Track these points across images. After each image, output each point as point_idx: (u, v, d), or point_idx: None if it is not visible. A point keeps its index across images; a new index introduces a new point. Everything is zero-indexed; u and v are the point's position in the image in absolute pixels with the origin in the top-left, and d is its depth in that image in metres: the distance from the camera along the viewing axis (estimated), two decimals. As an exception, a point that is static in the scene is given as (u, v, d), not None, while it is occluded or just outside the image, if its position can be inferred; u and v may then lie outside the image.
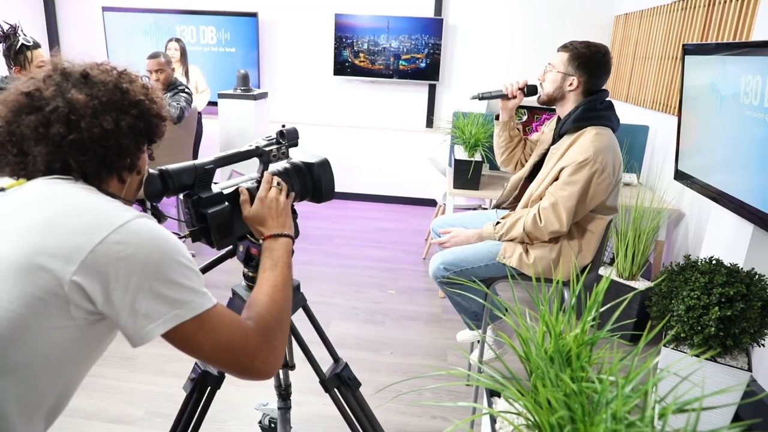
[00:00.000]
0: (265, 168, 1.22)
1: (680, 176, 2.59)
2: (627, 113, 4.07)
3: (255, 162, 1.22)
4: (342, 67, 4.98)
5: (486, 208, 4.02)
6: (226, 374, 1.41)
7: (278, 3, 5.00)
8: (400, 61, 4.92)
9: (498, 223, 2.01)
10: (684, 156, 2.55)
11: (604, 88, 2.01)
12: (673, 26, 3.43)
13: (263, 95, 4.42)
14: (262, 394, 2.32)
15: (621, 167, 1.93)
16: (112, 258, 0.80)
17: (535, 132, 3.32)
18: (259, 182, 1.19)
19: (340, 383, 1.42)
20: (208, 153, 5.09)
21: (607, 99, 1.98)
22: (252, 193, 1.16)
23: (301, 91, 5.21)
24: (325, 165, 1.29)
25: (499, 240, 2.03)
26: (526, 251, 1.98)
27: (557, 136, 2.02)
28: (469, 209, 4.04)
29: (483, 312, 2.08)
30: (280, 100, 5.20)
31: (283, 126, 1.25)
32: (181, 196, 1.12)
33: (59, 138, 0.87)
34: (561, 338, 0.90)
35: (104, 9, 5.08)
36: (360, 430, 1.40)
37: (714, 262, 2.01)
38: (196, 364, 1.41)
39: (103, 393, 2.31)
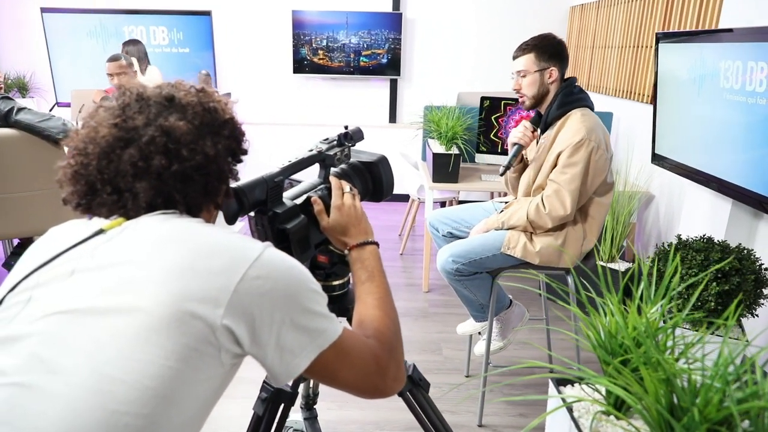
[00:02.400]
0: (328, 173, 1.16)
1: (657, 158, 2.69)
2: (588, 101, 4.20)
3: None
4: (301, 65, 4.90)
5: (463, 201, 4.06)
6: (298, 390, 1.38)
7: (233, 1, 4.85)
8: (361, 58, 4.88)
9: (502, 211, 2.03)
10: (661, 139, 2.65)
11: (571, 76, 2.08)
12: (633, 16, 3.56)
13: (226, 95, 4.28)
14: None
15: (611, 143, 2.00)
16: (254, 295, 0.74)
17: (511, 127, 3.36)
18: (328, 189, 1.13)
19: (413, 385, 1.39)
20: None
21: (577, 84, 2.05)
22: (325, 201, 1.10)
23: (260, 91, 5.08)
24: (384, 162, 1.25)
25: (502, 228, 2.04)
26: (531, 240, 2.01)
27: (543, 128, 2.06)
28: (444, 201, 4.07)
29: (490, 303, 2.10)
30: (239, 101, 5.05)
31: (346, 127, 1.21)
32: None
33: (162, 170, 0.80)
34: (646, 322, 0.90)
35: (43, 10, 4.77)
36: (433, 431, 1.38)
37: (706, 240, 2.10)
38: (265, 382, 1.34)
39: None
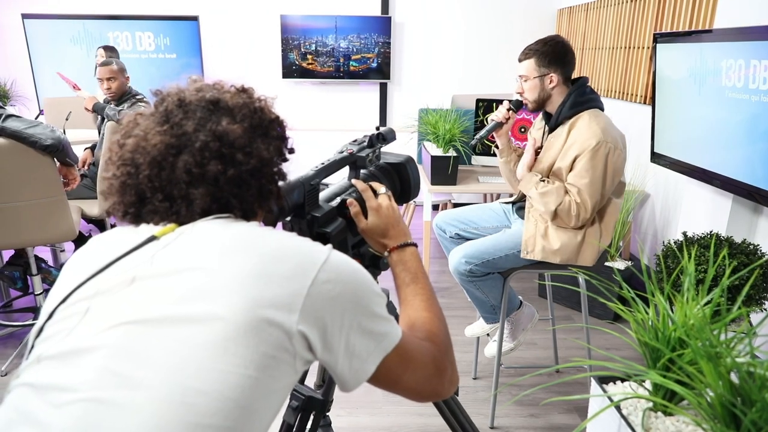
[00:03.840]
0: (358, 174, 1.14)
1: (656, 157, 2.72)
2: (579, 102, 4.24)
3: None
4: (290, 70, 4.86)
5: (457, 204, 4.06)
6: (331, 397, 1.35)
7: (220, 6, 4.80)
8: (351, 62, 4.87)
9: (543, 180, 1.99)
10: (660, 138, 2.68)
11: (582, 75, 2.09)
12: (623, 17, 3.61)
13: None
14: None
15: (625, 139, 2.01)
16: (325, 299, 0.72)
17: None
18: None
19: None
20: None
21: (588, 85, 2.07)
22: (361, 203, 1.08)
23: (249, 95, 5.02)
24: (411, 163, 1.23)
25: (526, 193, 2.03)
26: (546, 238, 2.00)
27: (553, 127, 2.07)
28: (440, 203, 4.06)
29: (501, 305, 2.09)
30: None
31: (378, 128, 1.19)
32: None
33: (218, 176, 0.77)
34: (698, 317, 0.90)
35: (24, 16, 4.66)
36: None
37: (713, 236, 2.12)
38: (295, 390, 1.31)
39: None
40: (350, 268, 0.78)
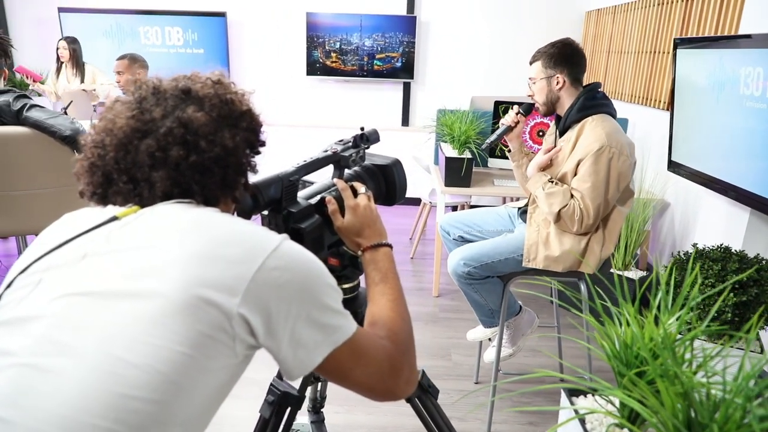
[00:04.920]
0: (342, 174, 1.15)
1: (673, 166, 2.65)
2: (603, 107, 4.16)
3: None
4: (314, 68, 4.90)
5: (474, 206, 4.03)
6: (306, 395, 1.36)
7: (247, 2, 4.87)
8: (375, 61, 4.87)
9: (551, 181, 1.97)
10: (677, 146, 2.61)
11: (595, 81, 2.06)
12: (650, 21, 3.52)
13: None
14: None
15: (634, 148, 1.96)
16: (271, 286, 0.73)
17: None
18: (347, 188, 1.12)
19: (422, 392, 1.37)
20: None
21: (601, 90, 2.03)
22: (339, 201, 1.09)
23: (274, 92, 5.08)
24: (398, 165, 1.24)
25: (533, 191, 2.00)
26: (548, 245, 1.97)
27: (562, 131, 2.04)
28: (456, 206, 4.04)
29: (500, 309, 2.07)
30: (252, 102, 5.06)
31: (362, 128, 1.19)
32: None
33: (180, 161, 0.80)
34: (663, 333, 0.88)
35: (60, 10, 4.82)
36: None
37: (723, 249, 2.05)
38: (272, 385, 1.33)
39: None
40: (302, 258, 0.79)
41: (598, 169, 1.85)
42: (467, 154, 3.23)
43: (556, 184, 1.96)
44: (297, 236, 1.02)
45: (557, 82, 1.99)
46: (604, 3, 4.30)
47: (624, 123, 3.63)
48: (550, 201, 1.93)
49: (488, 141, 2.14)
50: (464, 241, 2.25)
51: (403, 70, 4.90)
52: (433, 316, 3.15)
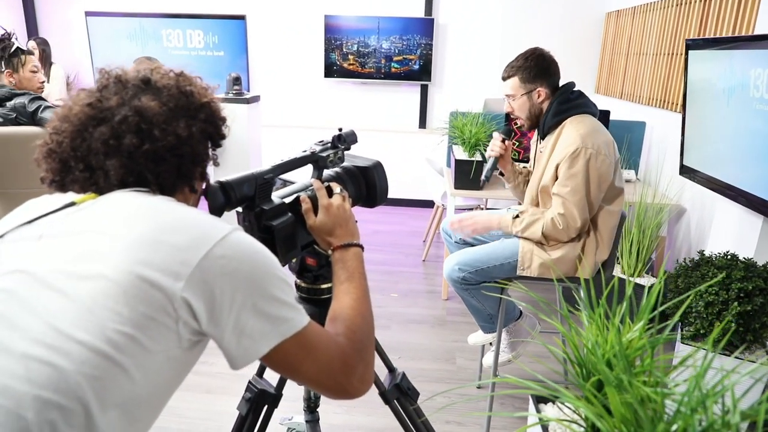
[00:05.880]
0: (320, 174, 1.16)
1: (685, 171, 2.59)
2: (623, 110, 4.08)
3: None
4: (332, 70, 4.93)
5: (483, 207, 4.00)
6: (283, 391, 1.37)
7: (266, 5, 4.94)
8: (392, 63, 4.88)
9: (517, 216, 1.97)
10: (689, 151, 2.54)
11: (569, 81, 2.01)
12: (668, 22, 3.44)
13: (256, 98, 4.34)
14: (283, 408, 2.26)
15: (614, 146, 1.92)
16: (216, 273, 0.74)
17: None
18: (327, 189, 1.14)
19: (400, 394, 1.37)
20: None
21: (575, 89, 1.98)
22: (314, 201, 1.10)
23: (292, 94, 5.14)
24: (379, 168, 1.24)
25: (514, 235, 2.00)
26: (542, 252, 1.95)
27: (542, 135, 2.02)
28: (468, 209, 4.01)
29: (498, 314, 2.05)
30: (271, 104, 5.12)
31: (340, 129, 1.21)
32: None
33: (133, 149, 0.81)
34: (622, 340, 0.86)
35: (87, 14, 4.96)
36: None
37: (729, 257, 1.99)
38: (250, 382, 1.35)
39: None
40: (252, 248, 0.80)
41: (576, 171, 1.83)
42: (477, 157, 3.21)
43: (519, 215, 1.96)
44: (268, 233, 1.03)
45: (538, 96, 1.96)
46: (624, 4, 4.22)
47: (641, 126, 3.56)
48: (530, 232, 1.93)
49: (483, 176, 2.13)
50: (465, 244, 2.24)
51: (421, 73, 4.89)
52: (440, 319, 3.14)
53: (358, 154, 1.32)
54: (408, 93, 5.08)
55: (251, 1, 4.91)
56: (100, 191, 0.83)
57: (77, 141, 0.82)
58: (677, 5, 3.32)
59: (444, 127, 3.73)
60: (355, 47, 4.86)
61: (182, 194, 0.90)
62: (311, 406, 1.68)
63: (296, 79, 5.08)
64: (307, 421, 1.68)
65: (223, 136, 0.93)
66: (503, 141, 2.10)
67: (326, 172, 1.22)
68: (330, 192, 1.13)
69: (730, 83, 2.16)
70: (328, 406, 2.24)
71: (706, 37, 2.87)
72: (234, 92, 4.16)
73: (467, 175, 3.13)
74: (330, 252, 1.08)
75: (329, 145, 1.21)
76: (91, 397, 0.67)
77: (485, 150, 3.26)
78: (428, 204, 5.16)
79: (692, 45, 2.41)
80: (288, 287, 0.82)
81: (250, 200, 1.03)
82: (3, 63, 2.50)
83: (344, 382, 0.84)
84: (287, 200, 1.10)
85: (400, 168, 5.24)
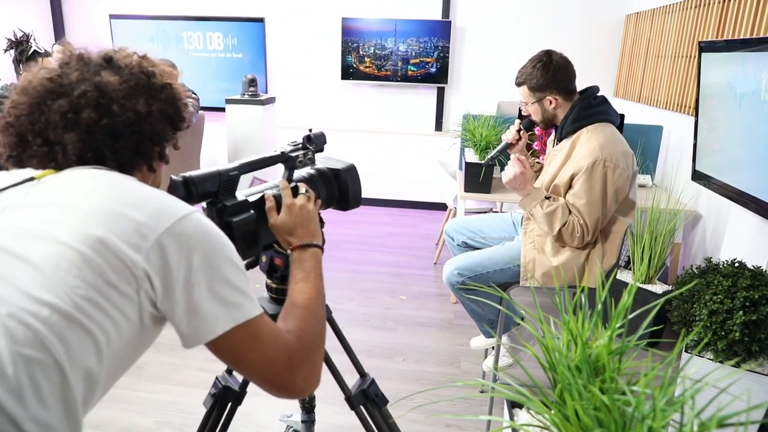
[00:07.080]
0: (291, 174, 1.17)
1: (698, 176, 2.53)
2: (640, 113, 4.01)
3: (279, 168, 1.17)
4: (348, 72, 4.95)
5: (496, 211, 3.97)
6: (247, 389, 1.36)
7: (285, 8, 4.98)
8: (409, 66, 4.87)
9: (548, 197, 1.90)
10: (701, 156, 2.49)
11: (593, 85, 1.98)
12: (686, 24, 3.37)
13: (271, 100, 4.39)
14: (285, 405, 2.28)
15: (633, 158, 1.88)
16: (173, 251, 0.75)
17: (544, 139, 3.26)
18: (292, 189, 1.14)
19: (367, 400, 1.36)
20: (215, 160, 5.02)
21: (599, 94, 1.94)
22: (279, 200, 1.11)
23: (309, 95, 5.18)
24: (352, 171, 1.24)
25: (531, 214, 1.94)
26: (545, 260, 1.92)
27: (559, 138, 1.99)
28: (481, 212, 3.98)
29: (498, 319, 2.03)
30: (288, 105, 5.17)
31: (310, 130, 1.21)
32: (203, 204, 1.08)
33: (91, 124, 0.82)
34: (588, 347, 0.84)
35: (111, 17, 5.08)
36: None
37: (737, 264, 1.94)
38: (217, 378, 1.36)
39: (113, 403, 2.28)
40: (210, 231, 0.80)
41: (593, 184, 1.79)
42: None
43: (553, 199, 1.90)
44: (227, 229, 1.04)
45: (550, 102, 1.93)
46: (643, 6, 4.15)
47: (659, 131, 3.49)
48: (550, 220, 1.87)
49: (488, 157, 2.11)
50: (468, 246, 2.23)
51: (438, 75, 4.88)
52: (447, 323, 3.12)
53: (333, 157, 1.32)
54: (424, 95, 5.07)
55: (270, 4, 4.97)
56: (59, 167, 0.83)
57: (35, 114, 0.83)
58: (695, 7, 3.25)
59: (457, 130, 3.71)
60: (371, 50, 4.88)
61: (141, 173, 0.91)
62: (306, 407, 1.69)
63: (313, 81, 5.12)
64: (303, 421, 1.69)
65: (183, 119, 0.94)
66: (519, 131, 2.07)
67: (299, 173, 1.23)
68: (295, 192, 1.13)
69: (742, 86, 2.11)
70: (329, 406, 2.24)
71: (717, 39, 2.80)
72: (249, 93, 4.21)
73: (477, 178, 3.11)
74: (289, 252, 1.09)
75: (300, 145, 1.22)
76: (64, 358, 0.68)
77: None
78: (443, 207, 5.14)
79: (705, 47, 2.36)
80: (242, 275, 0.82)
81: (213, 196, 1.04)
82: (21, 66, 2.58)
83: (288, 378, 0.84)
84: (252, 198, 1.11)
85: (416, 170, 5.23)
